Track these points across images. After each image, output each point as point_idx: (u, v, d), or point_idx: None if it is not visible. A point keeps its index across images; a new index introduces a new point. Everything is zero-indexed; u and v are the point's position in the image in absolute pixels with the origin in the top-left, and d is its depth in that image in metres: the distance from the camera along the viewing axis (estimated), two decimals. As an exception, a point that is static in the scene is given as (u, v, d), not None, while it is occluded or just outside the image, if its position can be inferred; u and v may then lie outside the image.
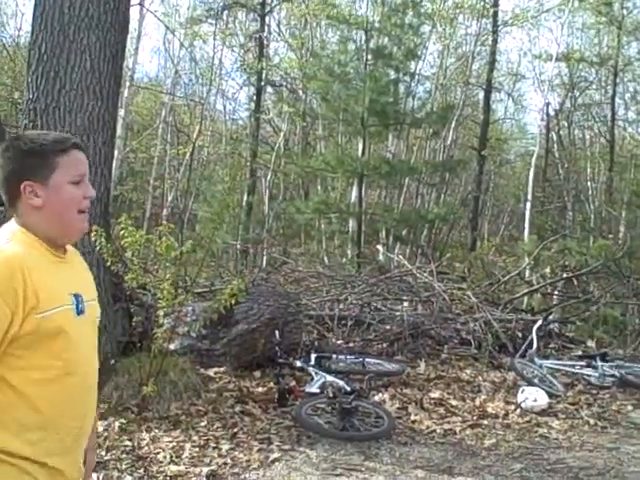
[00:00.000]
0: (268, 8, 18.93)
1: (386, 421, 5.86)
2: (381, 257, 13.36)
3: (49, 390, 1.97)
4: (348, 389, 6.29)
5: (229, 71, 20.85)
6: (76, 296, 2.04)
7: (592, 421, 6.65)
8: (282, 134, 17.78)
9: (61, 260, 2.09)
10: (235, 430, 5.66)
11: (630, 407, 7.21)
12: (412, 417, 6.38)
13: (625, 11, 18.97)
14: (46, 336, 1.93)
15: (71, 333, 1.98)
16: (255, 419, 5.97)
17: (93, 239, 6.06)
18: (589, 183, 20.52)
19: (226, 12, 18.71)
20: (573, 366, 8.18)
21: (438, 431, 6.12)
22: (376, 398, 6.73)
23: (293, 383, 6.75)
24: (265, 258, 14.04)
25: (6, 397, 1.92)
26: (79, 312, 2.04)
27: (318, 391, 6.41)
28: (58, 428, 2.00)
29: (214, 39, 17.59)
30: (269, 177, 15.93)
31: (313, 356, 7.05)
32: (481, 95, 20.24)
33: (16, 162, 2.03)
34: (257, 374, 6.90)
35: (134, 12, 13.54)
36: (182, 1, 19.34)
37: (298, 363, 6.97)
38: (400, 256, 12.60)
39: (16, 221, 2.06)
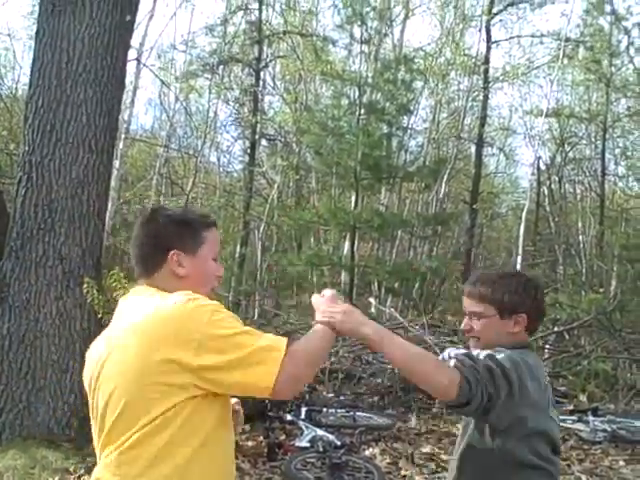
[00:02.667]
0: (263, 63, 19.26)
1: (376, 476, 5.81)
2: (373, 310, 13.37)
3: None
4: (338, 443, 6.26)
5: (224, 124, 21.05)
6: None
7: (584, 477, 6.62)
8: (276, 187, 17.94)
9: None
10: (224, 485, 5.61)
11: (622, 462, 7.17)
12: (402, 472, 6.34)
13: (613, 68, 19.34)
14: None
15: None
16: (244, 474, 5.92)
17: (85, 291, 6.09)
18: (580, 237, 20.65)
19: (222, 67, 19.02)
20: (564, 421, 8.13)
21: (429, 487, 6.08)
22: (367, 452, 6.70)
23: (283, 437, 6.73)
24: (257, 310, 14.04)
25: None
26: None
27: (308, 445, 6.38)
28: None
29: (209, 93, 17.85)
30: (262, 229, 16.03)
31: (303, 409, 7.02)
32: (473, 149, 20.49)
33: (166, 231, 2.08)
34: (247, 428, 6.86)
35: (131, 66, 13.77)
36: (178, 56, 19.64)
37: (288, 417, 6.95)
38: (392, 309, 12.61)
39: (151, 285, 2.08)
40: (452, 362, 2.20)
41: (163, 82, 18.33)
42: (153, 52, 19.14)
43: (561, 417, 8.19)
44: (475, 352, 2.36)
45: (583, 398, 9.33)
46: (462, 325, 2.53)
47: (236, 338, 1.88)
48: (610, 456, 7.33)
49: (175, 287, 2.02)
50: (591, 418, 7.92)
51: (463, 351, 2.39)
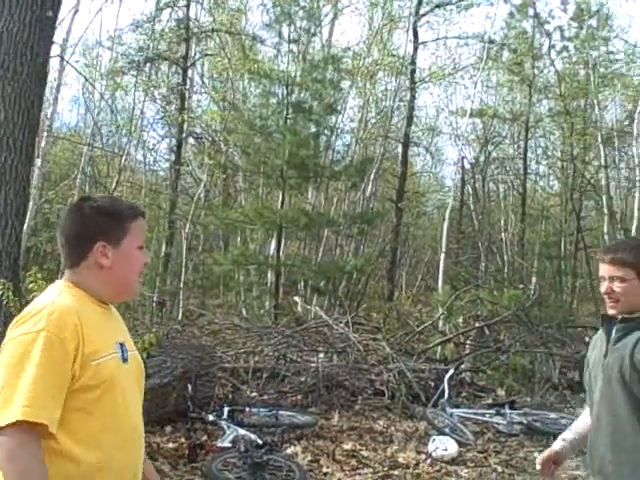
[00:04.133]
0: (191, 61, 19.10)
1: (297, 474, 5.87)
2: (299, 308, 13.44)
3: (108, 436, 2.02)
4: (260, 442, 6.28)
5: (150, 122, 20.76)
6: (121, 345, 2.13)
7: (500, 469, 6.81)
8: (202, 186, 17.82)
9: (106, 310, 2.19)
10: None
11: (536, 454, 7.35)
12: (324, 469, 6.41)
13: (536, 70, 19.85)
14: (103, 383, 2.00)
15: (121, 380, 2.07)
16: (164, 476, 5.89)
17: (0, 293, 5.98)
18: (502, 235, 21.17)
19: (148, 64, 18.78)
20: (483, 414, 8.36)
21: (349, 483, 6.17)
22: (288, 451, 6.74)
23: (205, 438, 6.71)
24: (181, 310, 13.94)
25: (71, 450, 1.95)
26: (124, 360, 2.12)
27: (230, 445, 6.38)
28: (118, 474, 2.05)
29: (135, 90, 17.61)
30: (187, 228, 15.92)
31: (226, 409, 7.02)
32: (400, 149, 20.76)
33: (91, 222, 2.13)
34: (168, 429, 6.83)
35: (54, 62, 13.45)
36: (104, 52, 19.28)
37: (210, 417, 6.93)
38: (317, 307, 12.70)
39: (67, 278, 2.15)
40: None
41: (87, 79, 17.99)
42: (78, 48, 18.76)
43: (479, 411, 8.44)
44: None
45: (501, 392, 9.59)
46: (602, 289, 2.76)
47: (9, 368, 1.92)
48: (525, 447, 7.57)
49: (99, 277, 2.11)
50: (508, 411, 8.14)
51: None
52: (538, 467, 3.07)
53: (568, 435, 3.08)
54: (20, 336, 1.95)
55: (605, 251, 2.80)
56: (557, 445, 3.06)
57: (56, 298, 2.05)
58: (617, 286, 2.68)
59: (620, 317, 2.71)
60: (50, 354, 1.90)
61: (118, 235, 2.13)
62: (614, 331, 2.74)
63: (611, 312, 2.72)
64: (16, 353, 1.92)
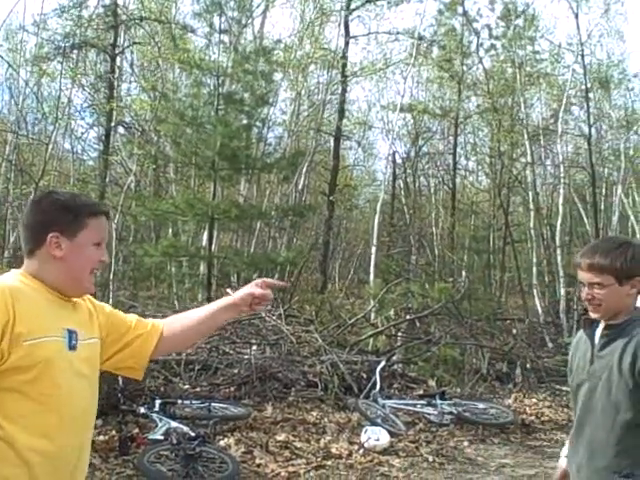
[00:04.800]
0: (119, 49, 18.72)
1: (230, 466, 5.85)
2: (232, 300, 13.32)
3: (44, 419, 2.02)
4: (192, 435, 6.23)
5: (78, 110, 20.27)
6: (70, 331, 2.12)
7: (431, 458, 6.93)
8: (132, 176, 17.50)
9: (62, 299, 2.18)
10: (72, 482, 5.45)
11: (466, 443, 7.56)
12: (257, 461, 6.40)
13: (465, 67, 20.15)
14: (38, 365, 1.99)
15: (61, 364, 2.06)
16: (95, 469, 5.78)
17: None
18: (433, 228, 21.47)
19: (75, 51, 18.31)
20: (414, 405, 8.49)
21: (282, 474, 6.17)
22: (221, 443, 6.70)
23: (136, 430, 6.61)
24: (112, 302, 13.64)
25: (4, 429, 1.97)
26: (71, 347, 2.11)
27: (162, 438, 6.31)
28: (55, 458, 2.05)
29: (61, 78, 17.13)
30: (117, 219, 15.60)
31: (157, 402, 6.93)
32: (332, 142, 20.83)
33: (49, 214, 2.17)
34: (99, 422, 6.68)
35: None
36: (30, 38, 18.70)
37: (142, 410, 6.83)
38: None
39: (24, 268, 2.18)
40: None
41: (10, 65, 17.44)
42: (0, 33, 18.16)
43: (411, 401, 8.56)
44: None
45: (432, 383, 9.74)
46: (583, 295, 2.70)
47: None
48: (455, 437, 7.72)
49: (52, 268, 2.15)
50: (439, 402, 8.29)
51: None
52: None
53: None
54: None
55: (581, 256, 2.73)
56: (563, 463, 3.01)
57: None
58: (597, 292, 2.64)
59: (604, 323, 2.69)
60: None
61: (74, 228, 2.17)
62: (598, 336, 2.73)
63: (594, 316, 2.70)
64: None
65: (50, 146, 16.90)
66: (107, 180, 17.97)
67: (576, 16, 17.46)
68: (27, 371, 1.98)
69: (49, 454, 2.02)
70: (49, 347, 2.03)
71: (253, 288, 2.49)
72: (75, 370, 2.11)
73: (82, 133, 21.29)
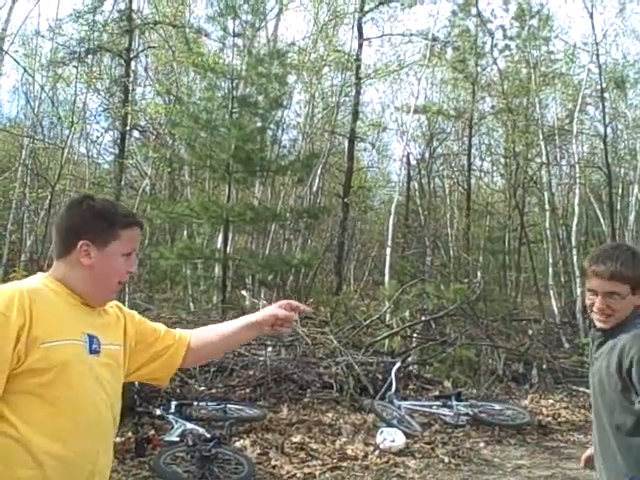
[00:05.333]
0: (134, 53, 18.82)
1: (246, 467, 5.86)
2: (247, 302, 13.37)
3: (59, 422, 2.01)
4: (208, 436, 6.25)
5: (94, 114, 20.42)
6: (91, 336, 2.11)
7: (446, 459, 6.91)
8: (147, 179, 17.59)
9: (84, 306, 2.17)
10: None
11: (482, 444, 7.53)
12: (273, 462, 6.41)
13: (479, 68, 20.11)
14: (54, 368, 1.98)
15: (79, 368, 2.05)
16: (111, 471, 5.79)
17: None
18: (448, 229, 21.43)
19: (90, 56, 18.44)
20: (430, 406, 8.47)
21: (298, 475, 6.17)
22: (237, 444, 6.72)
23: (152, 432, 6.64)
24: (127, 304, 13.71)
25: (19, 430, 1.95)
26: (92, 351, 2.10)
27: (178, 439, 6.34)
28: (70, 462, 2.02)
29: (76, 82, 17.25)
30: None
31: (173, 404, 6.96)
32: (346, 144, 20.84)
33: (83, 219, 2.15)
34: (115, 424, 6.72)
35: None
36: (45, 43, 18.88)
37: (158, 411, 6.87)
38: (265, 301, 12.66)
39: (50, 272, 2.17)
40: None
41: (26, 70, 17.58)
42: (16, 38, 18.30)
43: (426, 403, 8.54)
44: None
45: (448, 384, 9.72)
46: (597, 305, 2.61)
47: None
48: (471, 438, 7.69)
49: (80, 274, 2.13)
50: (454, 403, 8.27)
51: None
52: (582, 464, 3.02)
53: None
54: None
55: (599, 263, 2.61)
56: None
57: (21, 282, 2.10)
58: (612, 302, 2.57)
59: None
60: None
61: (106, 238, 2.15)
62: (593, 340, 2.74)
63: (602, 326, 2.64)
64: None
65: (66, 150, 17.05)
66: (122, 183, 18.09)
67: (591, 16, 17.36)
68: (43, 374, 1.97)
69: (63, 458, 2.01)
70: (66, 350, 2.02)
71: (277, 310, 2.47)
72: (95, 375, 2.10)
73: (97, 137, 21.49)
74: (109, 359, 2.19)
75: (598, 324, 2.65)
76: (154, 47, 19.71)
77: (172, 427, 6.64)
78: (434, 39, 18.94)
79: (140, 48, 19.46)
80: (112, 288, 2.21)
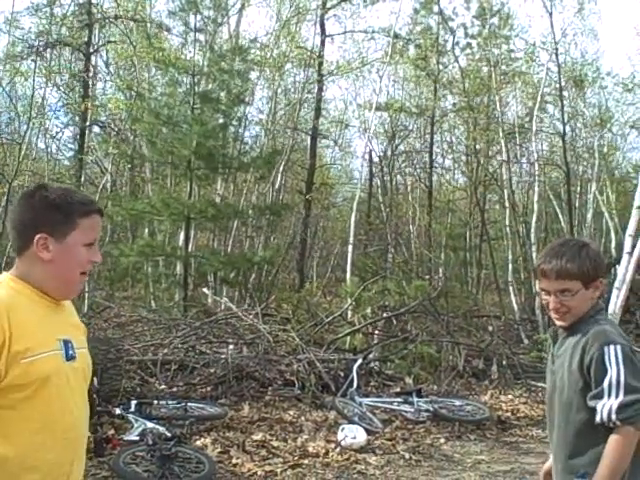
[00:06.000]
0: (94, 48, 18.59)
1: (207, 466, 5.83)
2: (209, 300, 13.32)
3: (37, 437, 1.96)
4: (169, 435, 6.20)
5: (53, 109, 20.12)
6: (65, 342, 2.05)
7: (407, 455, 6.94)
8: (107, 175, 17.40)
9: (52, 304, 2.09)
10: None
11: (442, 440, 7.59)
12: (234, 461, 6.38)
13: (441, 66, 20.23)
14: (35, 382, 1.93)
15: (60, 379, 1.99)
16: (69, 471, 5.73)
17: None
18: (410, 227, 21.54)
19: (49, 50, 18.16)
20: (391, 403, 8.51)
21: (259, 473, 6.16)
22: (198, 443, 6.68)
23: (112, 431, 6.56)
24: (87, 302, 13.58)
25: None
26: (69, 358, 2.04)
27: (138, 439, 6.28)
28: (48, 474, 1.98)
29: (35, 76, 16.97)
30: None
31: (133, 403, 6.88)
32: (309, 141, 20.84)
33: (38, 212, 2.04)
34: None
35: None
36: (1, 36, 18.60)
37: (117, 410, 6.78)
38: (227, 299, 12.61)
39: (13, 270, 2.08)
40: (613, 417, 2.43)
41: (-21, 63, 17.26)
42: (-28, 31, 17.94)
43: (388, 399, 8.58)
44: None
45: (409, 380, 9.76)
46: (551, 305, 2.61)
47: None
48: (432, 434, 7.75)
49: (41, 270, 2.04)
50: (415, 399, 8.31)
51: None
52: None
53: None
54: None
55: (545, 262, 2.62)
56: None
57: None
58: (566, 300, 2.58)
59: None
60: None
61: (64, 229, 2.05)
62: (554, 337, 2.75)
63: (561, 324, 2.65)
64: None
65: (24, 146, 16.78)
66: (82, 180, 17.86)
67: (550, 15, 17.61)
68: (22, 389, 1.92)
69: (39, 471, 1.96)
70: (47, 363, 1.97)
71: None
72: (71, 385, 2.06)
73: (57, 132, 21.20)
74: (83, 364, 2.15)
75: (557, 322, 2.66)
76: (114, 42, 19.45)
77: (132, 426, 6.58)
78: (396, 36, 18.98)
79: (100, 42, 19.24)
80: (76, 280, 2.12)
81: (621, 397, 2.42)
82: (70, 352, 2.06)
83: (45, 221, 2.03)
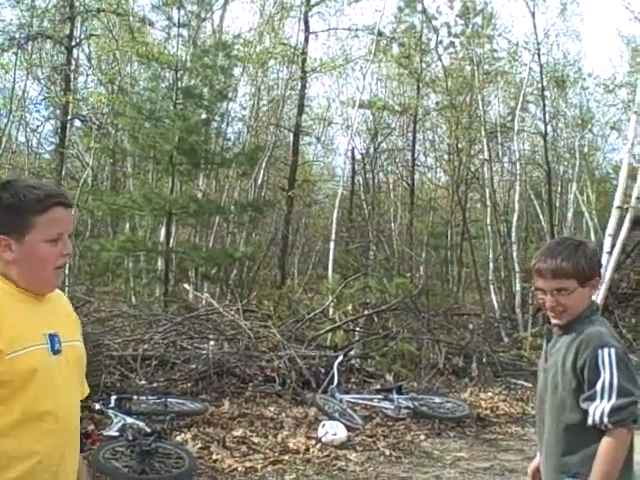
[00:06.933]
0: (76, 41, 18.45)
1: (187, 462, 5.81)
2: (189, 296, 13.27)
3: (27, 432, 1.95)
4: (148, 430, 6.18)
5: (33, 103, 19.97)
6: (51, 336, 2.03)
7: (388, 452, 6.97)
8: (88, 169, 17.28)
9: (36, 299, 2.07)
10: None
11: (423, 437, 7.62)
12: (214, 456, 6.38)
13: (424, 64, 20.29)
14: (20, 377, 1.92)
15: (46, 373, 1.98)
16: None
17: None
18: (391, 224, 21.59)
19: (30, 42, 18.01)
20: (371, 399, 8.53)
21: (240, 469, 6.16)
22: (178, 438, 6.66)
23: (92, 427, 6.54)
24: (67, 296, 13.47)
25: None
26: (55, 352, 2.03)
27: (117, 434, 6.25)
28: (37, 464, 1.98)
29: (15, 69, 16.83)
30: (73, 213, 15.32)
31: (113, 398, 6.85)
32: (291, 138, 20.82)
33: None
34: (52, 419, 6.59)
35: None
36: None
37: (97, 406, 6.74)
38: (208, 295, 12.58)
39: None
40: (605, 420, 2.44)
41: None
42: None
43: (368, 396, 8.59)
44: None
45: (389, 377, 9.80)
46: (547, 304, 2.62)
47: None
48: (412, 431, 7.77)
49: (13, 268, 2.03)
50: (396, 396, 8.33)
51: None
52: (529, 478, 2.98)
53: None
54: None
55: (541, 262, 2.63)
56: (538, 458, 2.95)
57: None
58: (562, 299, 2.59)
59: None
60: None
61: (20, 230, 2.01)
62: (548, 335, 2.75)
63: (557, 322, 2.65)
64: None
65: (4, 139, 16.66)
66: (63, 174, 17.76)
67: (533, 15, 17.73)
68: (8, 384, 1.92)
69: (30, 462, 1.97)
70: (32, 358, 1.97)
71: None
72: (62, 375, 2.05)
73: (37, 126, 21.00)
74: (72, 356, 2.13)
75: (553, 321, 2.67)
76: (97, 35, 19.31)
77: (112, 421, 6.54)
78: (380, 34, 19.01)
79: (82, 36, 19.09)
80: (49, 276, 2.08)
81: (614, 400, 2.43)
82: (57, 346, 2.04)
83: (1, 223, 2.01)
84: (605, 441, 2.44)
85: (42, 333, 2.03)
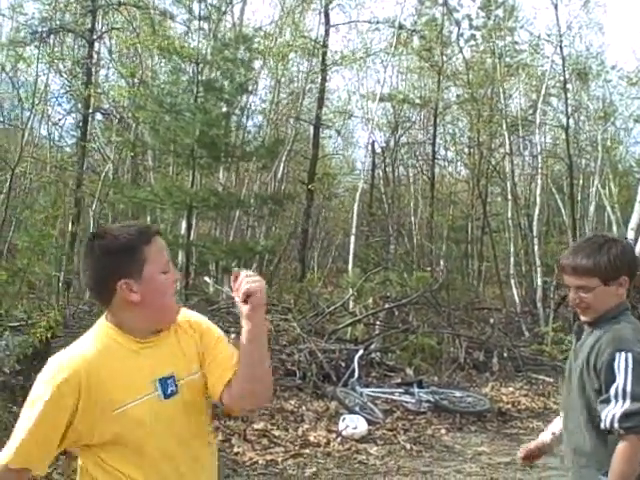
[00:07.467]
0: (97, 34, 18.51)
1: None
2: (210, 289, 13.30)
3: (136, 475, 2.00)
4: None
5: (55, 96, 20.08)
6: (162, 380, 2.04)
7: (408, 446, 6.97)
8: (109, 163, 17.36)
9: (146, 345, 2.08)
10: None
11: (443, 431, 7.61)
12: (235, 449, 6.40)
13: (445, 57, 20.15)
14: (129, 430, 1.97)
15: (155, 421, 2.01)
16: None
17: None
18: (411, 218, 21.52)
19: (52, 36, 18.10)
20: (392, 393, 8.53)
21: (261, 462, 6.18)
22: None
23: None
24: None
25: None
26: (167, 395, 2.04)
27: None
28: None
29: (37, 63, 16.92)
30: (94, 207, 15.42)
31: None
32: (311, 131, 20.80)
33: (106, 261, 2.03)
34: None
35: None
36: (4, 22, 18.50)
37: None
38: (228, 288, 12.56)
39: (107, 318, 2.09)
40: (616, 425, 2.42)
41: (-16, 51, 17.20)
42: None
43: (389, 390, 8.58)
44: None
45: (410, 371, 9.78)
46: (570, 300, 2.65)
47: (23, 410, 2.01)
48: (433, 425, 7.77)
49: (135, 314, 2.04)
50: (416, 390, 8.33)
51: None
52: (520, 454, 3.01)
53: (557, 429, 2.93)
54: (36, 383, 2.01)
55: (564, 258, 2.66)
56: (546, 437, 2.98)
57: (74, 348, 2.05)
58: (583, 295, 2.59)
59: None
60: (48, 406, 1.93)
61: (137, 267, 2.03)
62: (577, 332, 2.73)
63: (584, 319, 2.65)
64: (28, 398, 1.99)
65: (26, 132, 16.77)
66: (84, 167, 17.82)
67: (556, 7, 17.51)
68: (119, 438, 1.98)
69: None
70: (141, 409, 1.99)
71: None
72: (172, 417, 2.06)
73: (59, 119, 21.11)
74: (189, 395, 2.11)
75: (581, 317, 2.66)
76: (118, 28, 19.36)
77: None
78: (400, 27, 18.92)
79: (104, 29, 19.14)
80: (171, 303, 2.11)
81: (627, 405, 2.40)
82: (168, 389, 2.05)
83: (116, 268, 2.02)
84: (619, 448, 2.42)
85: (150, 381, 2.04)
